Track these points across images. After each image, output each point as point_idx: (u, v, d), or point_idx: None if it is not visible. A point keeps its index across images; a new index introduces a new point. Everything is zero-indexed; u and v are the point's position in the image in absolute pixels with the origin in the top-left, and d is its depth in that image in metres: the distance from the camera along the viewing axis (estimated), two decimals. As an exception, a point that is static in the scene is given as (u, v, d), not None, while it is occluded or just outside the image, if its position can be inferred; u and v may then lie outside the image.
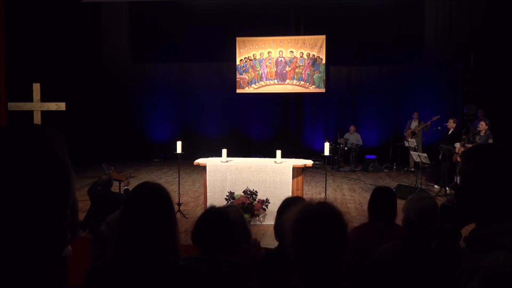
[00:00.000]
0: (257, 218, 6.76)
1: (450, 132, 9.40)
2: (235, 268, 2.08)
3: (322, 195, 7.86)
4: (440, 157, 9.33)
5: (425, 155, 9.00)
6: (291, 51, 13.30)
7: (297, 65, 13.30)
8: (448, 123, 9.50)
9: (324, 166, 9.40)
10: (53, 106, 6.88)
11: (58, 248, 0.86)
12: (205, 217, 2.24)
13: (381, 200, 3.04)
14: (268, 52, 13.38)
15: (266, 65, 13.41)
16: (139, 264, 1.59)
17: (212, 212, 2.27)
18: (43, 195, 0.81)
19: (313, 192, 9.00)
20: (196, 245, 2.19)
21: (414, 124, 11.74)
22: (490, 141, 8.30)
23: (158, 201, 1.71)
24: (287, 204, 2.55)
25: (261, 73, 13.45)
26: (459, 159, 8.74)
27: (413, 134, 11.49)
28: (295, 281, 1.54)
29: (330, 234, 1.51)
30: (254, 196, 6.70)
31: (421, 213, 2.62)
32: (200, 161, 7.26)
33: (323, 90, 13.28)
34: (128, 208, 1.73)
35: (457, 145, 8.88)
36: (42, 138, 0.86)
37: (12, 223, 0.79)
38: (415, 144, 10.87)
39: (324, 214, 1.56)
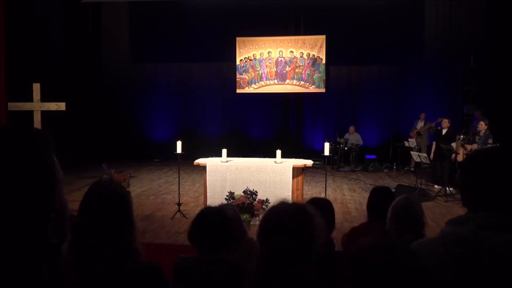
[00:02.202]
0: (257, 218, 6.75)
1: (444, 132, 9.44)
2: (235, 269, 2.08)
3: (322, 195, 7.86)
4: (431, 156, 9.34)
5: (425, 155, 9.02)
6: (291, 51, 13.30)
7: (297, 65, 13.30)
8: (443, 123, 9.54)
9: (324, 166, 9.40)
10: (53, 106, 6.88)
11: (46, 251, 0.84)
12: (202, 217, 2.22)
13: (379, 200, 3.06)
14: (268, 52, 13.38)
15: (266, 65, 13.41)
16: (90, 262, 1.59)
17: (209, 212, 2.25)
18: (27, 199, 0.80)
19: (313, 192, 8.99)
20: (193, 245, 2.18)
21: (420, 124, 11.74)
22: (490, 141, 8.30)
23: (112, 200, 1.70)
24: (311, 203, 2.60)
25: (261, 73, 13.45)
26: (458, 159, 8.75)
27: (418, 134, 11.50)
28: (254, 267, 1.55)
29: (284, 231, 1.51)
30: (254, 196, 6.70)
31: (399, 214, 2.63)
32: (200, 161, 7.26)
33: (323, 90, 13.29)
34: (81, 206, 1.73)
35: (453, 144, 8.91)
36: (28, 141, 0.84)
37: None
38: (415, 144, 10.87)
39: (284, 211, 1.56)
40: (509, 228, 1.24)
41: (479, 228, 1.26)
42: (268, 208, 1.64)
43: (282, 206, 1.61)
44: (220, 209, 2.32)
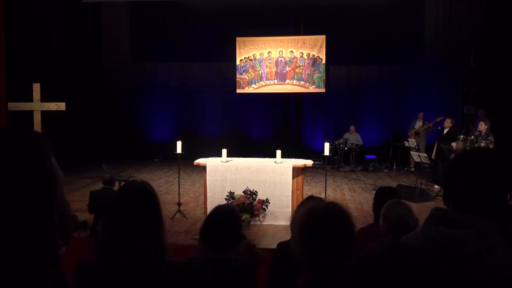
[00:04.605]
0: (257, 218, 6.76)
1: (445, 131, 9.48)
2: (245, 268, 2.09)
3: (322, 195, 7.86)
4: (433, 156, 9.37)
5: (425, 155, 9.02)
6: (291, 51, 13.30)
7: (297, 65, 13.30)
8: (445, 122, 9.58)
9: (324, 166, 9.40)
10: (53, 106, 6.88)
11: (49, 255, 0.83)
12: (217, 216, 2.24)
13: (383, 201, 3.04)
14: (268, 52, 13.38)
15: (266, 65, 13.41)
16: (122, 263, 1.59)
17: (224, 210, 2.28)
18: (30, 204, 0.78)
19: (313, 192, 8.98)
20: (204, 243, 2.18)
21: (418, 124, 11.74)
22: (490, 138, 8.32)
23: (141, 202, 1.71)
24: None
25: (261, 73, 13.45)
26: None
27: (417, 134, 11.51)
28: (302, 280, 1.56)
29: (337, 234, 1.52)
30: (254, 196, 6.70)
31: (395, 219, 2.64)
32: (200, 161, 7.26)
33: (323, 90, 13.28)
34: (112, 208, 1.73)
35: (454, 144, 8.93)
36: (27, 143, 0.82)
37: None
38: (415, 144, 10.87)
39: (331, 214, 1.58)
40: (454, 223, 1.32)
41: (430, 221, 1.37)
42: (308, 210, 1.65)
43: (323, 205, 1.63)
44: (233, 208, 2.34)
